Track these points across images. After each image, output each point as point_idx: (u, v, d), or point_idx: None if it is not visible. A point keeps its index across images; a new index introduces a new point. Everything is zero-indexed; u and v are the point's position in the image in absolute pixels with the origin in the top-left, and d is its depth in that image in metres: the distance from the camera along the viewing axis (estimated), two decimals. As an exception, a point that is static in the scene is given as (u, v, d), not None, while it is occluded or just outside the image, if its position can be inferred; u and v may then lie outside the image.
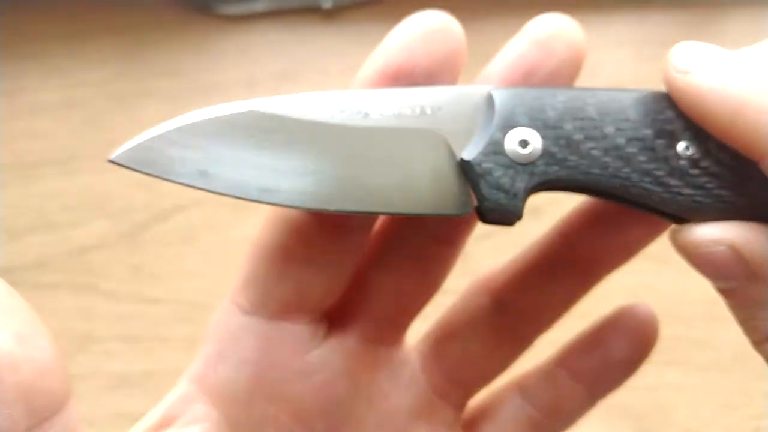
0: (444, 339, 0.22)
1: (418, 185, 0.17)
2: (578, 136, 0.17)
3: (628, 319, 0.22)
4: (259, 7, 0.47)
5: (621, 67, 0.46)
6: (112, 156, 0.16)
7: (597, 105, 0.18)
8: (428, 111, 0.18)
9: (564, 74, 0.19)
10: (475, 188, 0.17)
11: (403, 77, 0.18)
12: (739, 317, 0.18)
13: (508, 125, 0.17)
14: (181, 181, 0.17)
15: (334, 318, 0.21)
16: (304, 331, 0.20)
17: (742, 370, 0.38)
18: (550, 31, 0.18)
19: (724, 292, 0.17)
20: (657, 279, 0.40)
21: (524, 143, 0.17)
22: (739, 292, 0.17)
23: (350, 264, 0.20)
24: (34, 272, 0.41)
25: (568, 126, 0.17)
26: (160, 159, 0.17)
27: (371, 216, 0.20)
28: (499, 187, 0.17)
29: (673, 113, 0.18)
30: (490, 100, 0.18)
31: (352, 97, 0.18)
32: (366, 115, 0.18)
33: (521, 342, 0.22)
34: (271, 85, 0.45)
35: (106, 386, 0.39)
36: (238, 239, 0.41)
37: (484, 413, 0.23)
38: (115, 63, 0.46)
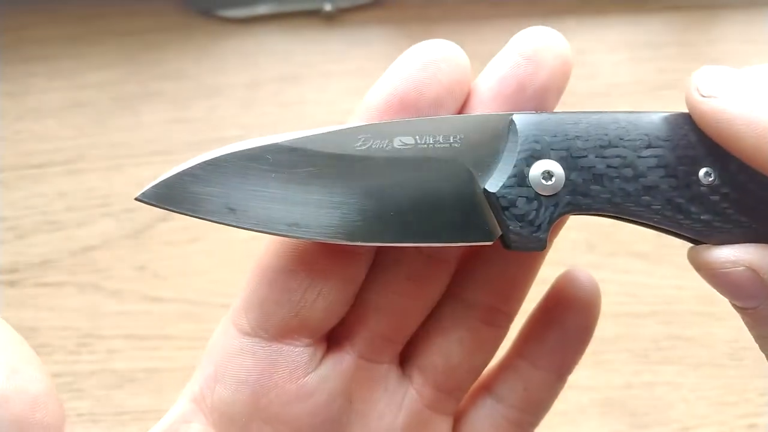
0: (425, 351, 0.22)
1: (442, 216, 0.17)
2: (601, 166, 0.17)
3: (570, 289, 0.22)
4: (261, 10, 0.47)
5: (617, 69, 0.46)
6: (139, 194, 0.17)
7: (619, 131, 0.18)
8: (451, 140, 0.18)
9: (554, 86, 0.19)
10: (499, 219, 0.17)
11: (410, 106, 0.18)
12: (757, 335, 0.18)
13: (531, 156, 0.17)
14: (210, 218, 0.17)
15: (330, 337, 0.21)
16: (303, 354, 0.20)
17: (737, 368, 0.39)
18: (538, 44, 0.18)
19: (742, 310, 0.18)
20: (652, 279, 0.40)
21: (548, 175, 0.17)
22: (757, 311, 0.17)
23: (353, 288, 0.20)
24: (39, 271, 0.42)
25: (591, 156, 0.17)
26: (187, 196, 0.17)
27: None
28: (523, 219, 0.17)
29: (695, 137, 0.17)
30: (512, 128, 0.18)
31: (374, 128, 0.18)
32: (389, 145, 0.18)
33: (496, 331, 0.22)
34: (274, 87, 0.46)
35: (110, 384, 0.39)
36: (242, 239, 0.41)
37: (459, 422, 0.23)
38: (119, 65, 0.47)
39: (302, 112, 0.45)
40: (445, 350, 0.21)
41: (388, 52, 0.47)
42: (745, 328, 0.18)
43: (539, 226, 0.17)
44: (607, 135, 0.18)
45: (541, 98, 0.18)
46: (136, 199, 0.17)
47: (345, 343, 0.21)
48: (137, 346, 0.40)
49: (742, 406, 0.38)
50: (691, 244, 0.18)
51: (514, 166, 0.17)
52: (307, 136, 0.18)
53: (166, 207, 0.17)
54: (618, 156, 0.17)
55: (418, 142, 0.18)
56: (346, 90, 0.46)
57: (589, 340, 0.23)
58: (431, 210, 0.17)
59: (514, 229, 0.17)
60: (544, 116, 0.18)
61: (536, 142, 0.17)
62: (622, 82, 0.46)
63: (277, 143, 0.17)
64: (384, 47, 0.47)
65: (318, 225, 0.17)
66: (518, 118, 0.18)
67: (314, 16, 0.48)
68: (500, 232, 0.18)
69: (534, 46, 0.18)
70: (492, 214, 0.17)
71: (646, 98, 0.45)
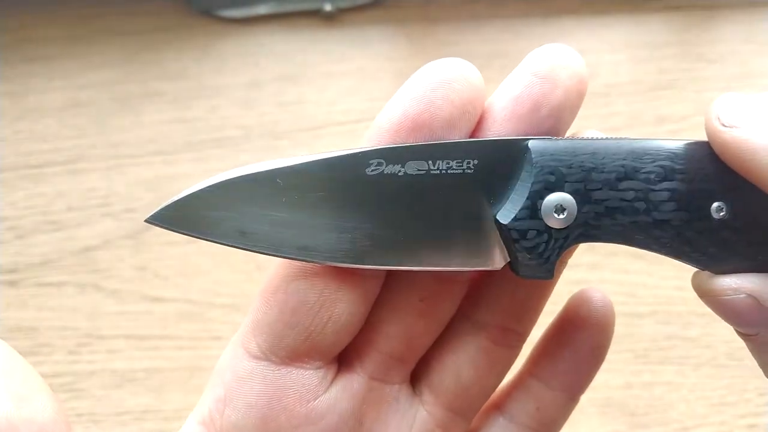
0: (437, 371, 0.21)
1: (452, 241, 0.17)
2: (614, 200, 0.17)
3: (585, 309, 0.22)
4: (261, 10, 0.47)
5: (618, 69, 0.46)
6: (149, 216, 0.17)
7: (635, 163, 0.17)
8: (464, 165, 0.17)
9: (569, 105, 0.18)
10: (509, 248, 0.17)
11: (422, 127, 0.18)
12: (760, 361, 0.18)
13: (545, 188, 0.17)
14: (221, 241, 0.17)
15: (341, 358, 0.21)
16: (313, 377, 0.20)
17: (737, 369, 0.39)
18: (553, 63, 0.18)
19: (745, 337, 0.18)
20: (651, 279, 0.40)
21: (560, 209, 0.17)
22: (758, 337, 0.17)
23: (363, 310, 0.20)
24: (39, 271, 0.42)
25: (606, 189, 0.17)
26: (196, 219, 0.17)
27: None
28: (533, 251, 0.17)
29: (711, 169, 0.17)
30: (527, 156, 0.17)
31: (386, 152, 0.17)
32: (401, 171, 0.17)
33: (509, 351, 0.22)
34: (274, 87, 0.46)
35: (110, 384, 0.39)
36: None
37: None
38: (119, 65, 0.47)
39: (302, 112, 0.45)
40: (456, 370, 0.21)
41: (388, 52, 0.47)
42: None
43: (548, 258, 0.17)
44: (623, 167, 0.17)
45: (556, 118, 0.18)
46: (147, 221, 0.17)
47: (355, 364, 0.21)
48: (137, 346, 0.40)
49: (742, 406, 0.38)
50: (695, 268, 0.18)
51: (527, 198, 0.17)
52: (317, 160, 0.17)
53: (175, 229, 0.17)
54: (632, 189, 0.17)
55: (431, 167, 0.17)
56: (346, 90, 0.46)
57: (603, 360, 0.22)
58: (442, 236, 0.17)
59: (523, 261, 0.17)
60: (560, 144, 0.17)
61: (551, 173, 0.17)
62: (622, 82, 0.46)
63: (288, 166, 0.17)
64: (384, 47, 0.47)
65: (328, 249, 0.17)
66: (534, 145, 0.17)
67: (314, 16, 0.48)
68: (509, 259, 0.18)
69: (548, 64, 0.18)
70: (502, 241, 0.17)
71: (646, 98, 0.45)
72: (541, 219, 0.17)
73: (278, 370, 0.19)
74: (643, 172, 0.17)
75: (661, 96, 0.45)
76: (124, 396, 0.39)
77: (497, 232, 0.17)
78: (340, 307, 0.19)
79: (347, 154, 0.17)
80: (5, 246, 0.42)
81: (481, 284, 0.21)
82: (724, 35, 0.48)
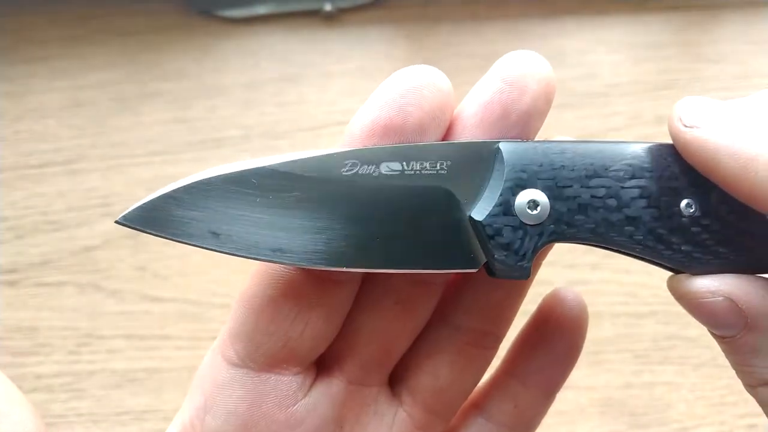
0: (415, 373, 0.22)
1: (427, 243, 0.17)
2: (586, 197, 0.18)
3: (559, 310, 0.23)
4: (261, 10, 0.47)
5: (617, 69, 0.46)
6: (119, 217, 0.16)
7: (604, 161, 0.18)
8: (438, 167, 0.18)
9: (537, 111, 0.18)
10: (485, 247, 0.17)
11: (393, 133, 0.18)
12: (734, 362, 0.18)
13: (517, 185, 0.17)
14: (192, 242, 0.17)
15: (319, 363, 0.21)
16: (292, 382, 0.20)
17: (737, 369, 0.39)
18: (521, 69, 0.18)
19: (720, 339, 0.18)
20: (652, 279, 0.40)
21: (533, 204, 0.17)
22: (734, 339, 0.17)
23: (340, 316, 0.20)
24: (39, 271, 0.42)
25: (576, 186, 0.18)
26: (169, 220, 0.17)
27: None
28: (508, 248, 0.17)
29: (678, 168, 0.18)
30: (498, 156, 0.18)
31: (361, 153, 0.18)
32: (375, 171, 0.18)
33: (485, 351, 0.22)
34: (274, 87, 0.46)
35: (110, 383, 0.39)
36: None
37: None
38: (119, 66, 0.47)
39: (302, 112, 0.45)
40: (434, 372, 0.21)
41: (388, 52, 0.47)
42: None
43: (524, 255, 0.17)
44: (592, 165, 0.18)
45: (524, 123, 0.18)
46: (117, 222, 0.16)
47: (334, 368, 0.21)
48: (137, 346, 0.40)
49: (742, 406, 0.38)
50: (670, 273, 0.19)
51: (500, 195, 0.17)
52: (293, 160, 0.17)
53: (147, 231, 0.17)
54: (602, 186, 0.18)
55: (405, 168, 0.18)
56: (346, 90, 0.46)
57: (577, 358, 0.23)
58: (416, 237, 0.17)
59: (499, 258, 0.17)
60: (530, 145, 0.18)
61: (522, 171, 0.18)
62: (622, 82, 0.46)
63: (262, 167, 0.17)
64: (384, 47, 0.47)
65: (302, 250, 0.17)
66: (504, 147, 0.18)
67: (314, 16, 0.48)
68: (485, 260, 0.18)
69: (517, 71, 0.18)
70: (477, 241, 0.18)
71: (646, 98, 0.45)
72: (515, 215, 0.17)
73: (257, 376, 0.20)
74: (612, 170, 0.18)
75: (661, 96, 0.45)
76: (124, 396, 0.39)
77: (473, 233, 0.18)
78: (317, 314, 0.19)
79: (322, 155, 0.17)
80: (5, 246, 0.42)
81: (457, 287, 0.22)
82: (724, 35, 0.48)
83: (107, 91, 0.46)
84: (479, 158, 0.18)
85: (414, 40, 0.47)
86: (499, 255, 0.17)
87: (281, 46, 0.47)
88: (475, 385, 0.22)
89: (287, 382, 0.20)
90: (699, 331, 0.39)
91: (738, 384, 0.42)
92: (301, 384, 0.20)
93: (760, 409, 0.40)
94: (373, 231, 0.17)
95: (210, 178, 0.17)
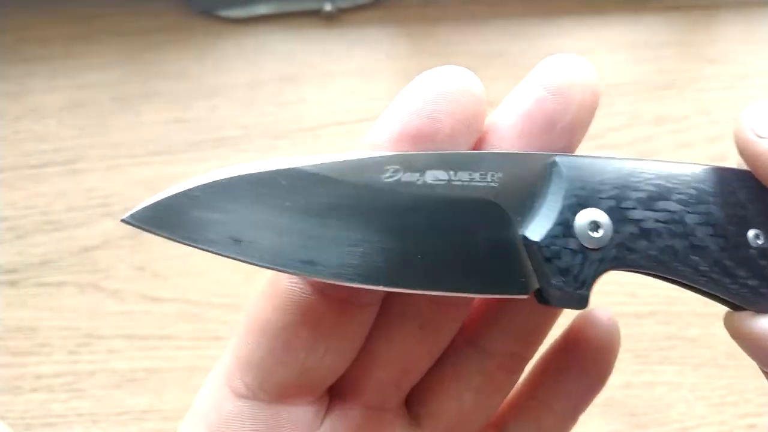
0: (437, 396, 0.20)
1: (474, 263, 0.15)
2: (649, 221, 0.16)
3: (591, 331, 0.21)
4: (261, 10, 0.47)
5: (618, 69, 0.46)
6: (127, 215, 0.14)
7: (667, 183, 0.16)
8: (488, 178, 0.16)
9: (583, 122, 0.17)
10: (540, 271, 0.15)
11: (423, 142, 0.16)
12: None
13: (578, 204, 0.16)
14: (210, 248, 0.14)
15: (334, 389, 0.19)
16: (306, 413, 0.18)
17: (737, 369, 0.39)
18: (566, 76, 0.16)
19: None
20: (652, 279, 0.40)
21: (595, 226, 0.16)
22: None
23: (359, 341, 0.18)
24: (39, 271, 0.42)
25: (640, 208, 0.16)
26: (184, 222, 0.14)
27: (379, 293, 0.18)
28: (567, 273, 0.15)
29: (744, 195, 0.16)
30: (555, 170, 0.16)
31: (404, 158, 0.16)
32: (420, 180, 0.16)
33: (512, 375, 0.21)
34: (274, 87, 0.46)
35: (110, 384, 0.39)
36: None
37: None
38: (119, 65, 0.47)
39: (302, 112, 0.45)
40: (458, 396, 0.20)
41: (388, 52, 0.47)
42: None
43: (583, 282, 0.16)
44: (656, 186, 0.16)
45: (569, 136, 0.17)
46: (124, 220, 0.14)
47: (349, 393, 0.19)
48: (137, 346, 0.40)
49: (742, 406, 0.38)
50: (727, 308, 0.17)
51: (560, 213, 0.16)
52: (328, 162, 0.15)
53: (158, 232, 0.14)
54: (667, 210, 0.16)
55: (453, 178, 0.16)
56: (346, 90, 0.46)
57: (606, 381, 0.21)
58: (463, 256, 0.15)
59: (557, 284, 0.15)
60: (589, 160, 0.16)
61: (582, 188, 0.16)
62: (622, 82, 0.46)
63: (293, 167, 0.15)
64: (384, 47, 0.47)
65: (335, 264, 0.15)
66: (562, 161, 0.16)
67: (314, 16, 0.48)
68: (537, 286, 0.16)
69: (560, 78, 0.16)
70: (530, 264, 0.16)
71: (646, 98, 0.45)
72: (576, 237, 0.15)
73: (269, 408, 0.18)
74: (677, 193, 0.16)
75: (661, 96, 0.45)
76: (124, 396, 0.39)
77: (525, 254, 0.16)
78: (336, 340, 0.18)
79: (361, 158, 0.16)
80: (5, 246, 0.42)
81: (488, 309, 0.20)
82: (724, 35, 0.48)
83: (107, 91, 0.46)
84: (533, 172, 0.16)
85: (414, 40, 0.47)
86: (556, 281, 0.15)
87: (281, 46, 0.47)
88: (498, 407, 0.21)
89: (301, 412, 0.18)
90: (699, 331, 0.39)
91: (738, 384, 0.42)
92: (315, 413, 0.19)
93: (760, 409, 0.40)
94: (415, 247, 0.15)
95: (233, 177, 0.15)
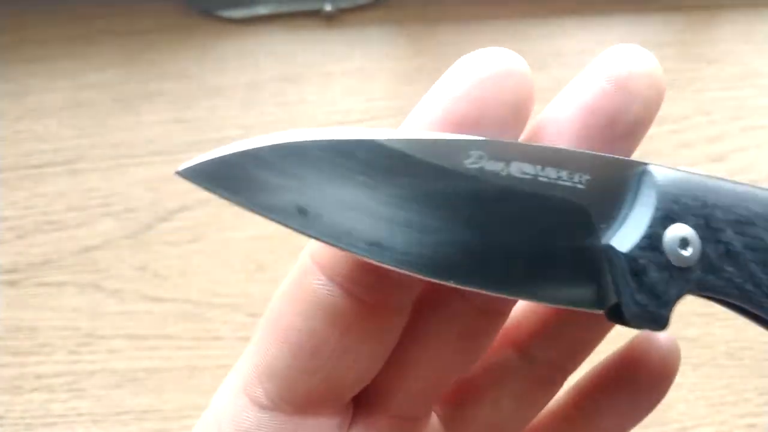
0: (473, 401, 0.19)
1: (553, 268, 0.14)
2: (738, 245, 0.15)
3: (652, 354, 0.20)
4: (261, 10, 0.47)
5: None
6: (182, 168, 0.13)
7: (760, 209, 0.15)
8: (575, 179, 0.15)
9: (647, 120, 0.16)
10: (621, 285, 0.14)
11: (468, 129, 0.15)
12: None
13: (668, 217, 0.15)
14: (271, 216, 0.13)
15: (360, 398, 0.18)
16: (331, 424, 0.17)
17: (737, 368, 0.39)
18: (631, 68, 0.15)
19: None
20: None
21: (684, 243, 0.15)
22: None
23: (389, 348, 0.17)
24: (40, 271, 0.42)
25: (729, 231, 0.15)
26: (248, 182, 0.13)
27: (413, 295, 0.16)
28: (652, 291, 0.14)
29: None
30: (646, 179, 0.15)
31: (489, 145, 0.14)
32: (505, 170, 0.14)
33: (553, 387, 0.20)
34: (274, 87, 0.46)
35: (110, 384, 0.39)
36: (242, 239, 0.41)
37: None
38: (119, 66, 0.47)
39: (302, 112, 0.45)
40: (496, 403, 0.19)
41: (388, 52, 0.47)
42: (745, 328, 0.18)
43: (666, 302, 0.14)
44: (747, 211, 0.15)
45: (631, 135, 0.16)
46: (179, 173, 0.13)
47: (377, 402, 0.18)
48: (137, 346, 0.40)
49: (742, 406, 0.38)
50: None
51: (649, 226, 0.14)
52: (410, 139, 0.14)
53: (217, 191, 0.13)
54: (757, 237, 0.15)
55: (539, 173, 0.14)
56: (346, 90, 0.46)
57: (657, 405, 0.20)
58: (542, 260, 0.14)
59: (640, 301, 0.14)
60: (681, 174, 0.15)
61: (674, 202, 0.15)
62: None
63: (374, 140, 0.14)
64: (384, 47, 0.47)
65: (404, 251, 0.14)
66: (654, 170, 0.15)
67: (314, 16, 0.48)
68: (614, 301, 0.14)
69: (626, 70, 0.15)
70: (609, 277, 0.14)
71: (646, 98, 0.45)
72: (664, 252, 0.14)
73: (291, 420, 0.17)
74: None
75: (661, 96, 0.45)
76: (124, 396, 0.39)
77: (606, 265, 0.14)
78: (367, 347, 0.16)
79: (444, 139, 0.14)
80: (5, 246, 0.42)
81: (536, 314, 0.19)
82: (724, 35, 0.48)
83: (107, 91, 0.46)
84: (621, 178, 0.15)
85: (414, 40, 0.47)
86: (640, 298, 0.14)
87: (281, 46, 0.47)
88: (533, 418, 0.20)
89: (325, 424, 0.17)
90: (699, 331, 0.39)
91: (738, 384, 0.42)
92: (340, 424, 0.17)
93: (760, 409, 0.40)
94: (494, 243, 0.14)
95: (306, 141, 0.14)
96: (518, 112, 0.15)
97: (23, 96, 0.46)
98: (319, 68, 0.46)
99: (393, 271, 0.14)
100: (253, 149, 0.13)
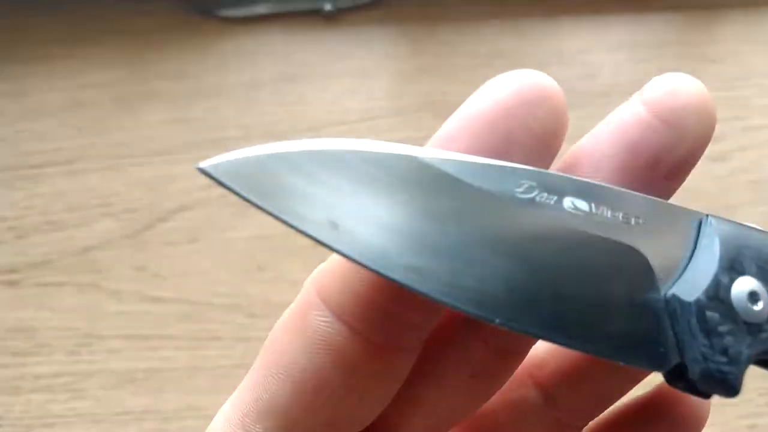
0: None
1: (608, 316, 0.13)
2: None
3: (683, 403, 0.19)
4: (261, 10, 0.47)
5: (618, 69, 0.46)
6: (208, 165, 0.12)
7: None
8: (631, 222, 0.14)
9: (693, 160, 0.14)
10: (685, 341, 0.13)
11: (494, 156, 0.14)
12: None
13: (734, 269, 0.13)
14: (300, 227, 0.12)
15: None
16: None
17: (737, 369, 0.39)
18: (680, 101, 0.14)
19: None
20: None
21: (754, 297, 0.13)
22: None
23: (396, 388, 0.16)
24: (39, 271, 0.42)
25: None
26: (277, 187, 0.12)
27: (424, 335, 0.15)
28: (723, 349, 0.13)
29: None
30: (706, 229, 0.14)
31: (540, 176, 0.13)
32: (557, 203, 0.13)
33: (572, 431, 0.19)
34: (274, 87, 0.46)
35: (110, 384, 0.39)
36: (241, 239, 0.41)
37: None
38: (119, 65, 0.47)
39: (302, 112, 0.45)
40: None
41: (388, 52, 0.47)
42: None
43: (739, 362, 0.13)
44: None
45: (675, 176, 0.14)
46: (200, 169, 0.12)
47: None
48: (137, 346, 0.40)
49: (743, 406, 0.38)
50: None
51: (714, 278, 0.13)
52: (459, 160, 0.13)
53: (242, 193, 0.12)
54: None
55: (594, 211, 0.13)
56: (346, 90, 0.46)
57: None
58: (597, 306, 0.13)
59: (710, 359, 0.13)
60: (741, 226, 0.14)
61: (738, 254, 0.14)
62: (622, 82, 0.46)
63: (417, 157, 0.13)
64: (384, 47, 0.47)
65: (446, 280, 0.12)
66: (715, 221, 0.14)
67: (314, 16, 0.48)
68: (678, 360, 0.13)
69: (674, 103, 0.14)
70: (671, 333, 0.13)
71: (646, 98, 0.45)
72: (732, 306, 0.13)
73: None
74: None
75: (661, 96, 0.45)
76: (124, 396, 0.39)
77: (667, 319, 0.13)
78: (373, 387, 0.15)
79: (496, 165, 0.13)
80: (5, 246, 0.42)
81: (564, 355, 0.18)
82: (724, 35, 0.48)
83: (107, 90, 0.46)
84: (679, 226, 0.14)
85: (414, 40, 0.47)
86: (709, 355, 0.13)
87: (281, 46, 0.47)
88: None
89: None
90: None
91: (738, 384, 0.41)
92: None
93: (760, 409, 0.40)
94: (544, 281, 0.13)
95: (345, 150, 0.13)
96: (549, 144, 0.14)
97: (23, 96, 0.46)
98: (318, 68, 0.46)
99: (403, 311, 0.13)
100: (286, 152, 0.12)
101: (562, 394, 0.18)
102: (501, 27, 0.47)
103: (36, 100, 0.46)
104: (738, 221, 0.15)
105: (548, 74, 0.16)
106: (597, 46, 0.47)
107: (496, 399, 0.18)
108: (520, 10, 0.48)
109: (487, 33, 0.47)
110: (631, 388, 0.18)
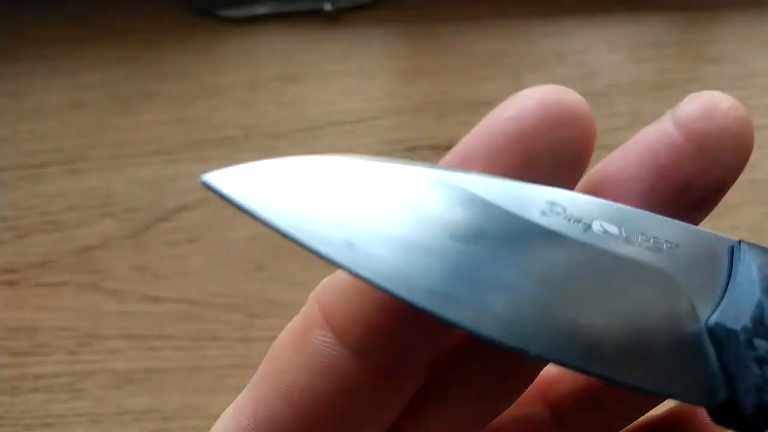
0: None
1: (648, 347, 0.12)
2: None
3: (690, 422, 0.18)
4: (261, 10, 0.47)
5: (618, 69, 0.46)
6: (209, 176, 0.11)
7: None
8: (663, 247, 0.13)
9: (724, 188, 0.13)
10: (735, 371, 0.12)
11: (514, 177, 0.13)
12: None
13: None
14: (313, 246, 0.11)
15: None
16: None
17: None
18: (717, 126, 0.13)
19: None
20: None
21: None
22: None
23: (399, 410, 0.15)
24: (39, 271, 0.42)
25: None
26: (289, 205, 0.11)
27: (429, 359, 0.15)
28: None
29: None
30: (741, 257, 0.13)
31: (567, 197, 0.13)
32: (587, 227, 0.13)
33: None
34: (274, 87, 0.46)
35: (109, 384, 0.39)
36: (241, 239, 0.41)
37: None
38: (119, 65, 0.47)
39: (302, 112, 0.45)
40: None
41: (388, 52, 0.47)
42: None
43: None
44: None
45: (704, 203, 0.14)
46: (206, 183, 0.11)
47: None
48: (137, 346, 0.40)
49: (742, 407, 0.38)
50: None
51: (759, 303, 0.12)
52: (482, 179, 0.12)
53: (252, 210, 0.11)
54: None
55: (624, 235, 0.13)
56: (346, 90, 0.46)
57: None
58: (634, 335, 0.12)
59: (764, 389, 0.12)
60: None
61: None
62: (622, 82, 0.46)
63: (440, 176, 0.12)
64: (384, 47, 0.47)
65: (473, 307, 0.11)
66: (748, 246, 0.13)
67: (314, 16, 0.48)
68: (727, 395, 0.12)
69: (708, 126, 0.13)
70: (717, 364, 0.12)
71: (646, 98, 0.45)
72: None
73: None
74: None
75: (661, 96, 0.45)
76: (124, 396, 0.39)
77: (712, 350, 0.12)
78: (375, 412, 0.15)
79: (516, 183, 0.13)
80: (5, 246, 0.42)
81: (574, 378, 0.17)
82: (724, 35, 0.48)
83: (107, 91, 0.46)
84: (711, 252, 0.13)
85: (414, 40, 0.47)
86: (764, 385, 0.12)
87: (281, 46, 0.47)
88: None
89: None
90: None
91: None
92: None
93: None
94: (578, 308, 0.12)
95: (361, 163, 0.12)
96: (574, 168, 0.13)
97: (23, 96, 0.46)
98: (318, 68, 0.46)
99: (409, 334, 0.13)
100: (301, 165, 0.12)
101: (572, 416, 0.17)
102: (501, 27, 0.47)
103: (36, 100, 0.46)
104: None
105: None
106: (597, 46, 0.47)
107: (504, 413, 0.17)
108: (520, 10, 0.48)
109: (487, 33, 0.47)
110: (645, 412, 0.18)
